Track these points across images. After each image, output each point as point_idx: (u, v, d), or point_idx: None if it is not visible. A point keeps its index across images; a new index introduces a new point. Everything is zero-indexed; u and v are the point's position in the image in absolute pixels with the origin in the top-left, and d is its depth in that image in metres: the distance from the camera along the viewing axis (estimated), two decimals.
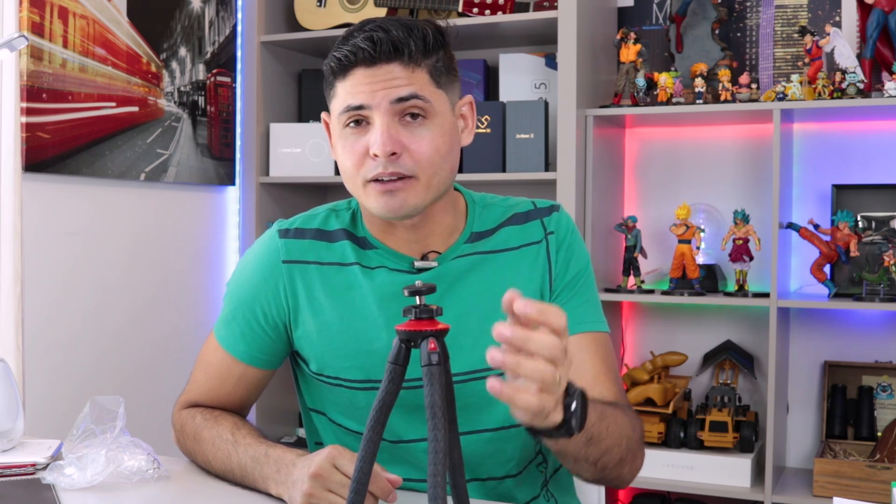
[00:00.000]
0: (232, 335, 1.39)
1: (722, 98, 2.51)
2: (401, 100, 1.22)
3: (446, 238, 1.34)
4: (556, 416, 1.06)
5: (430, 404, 0.97)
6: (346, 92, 1.24)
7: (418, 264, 1.33)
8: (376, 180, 1.24)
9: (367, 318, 1.32)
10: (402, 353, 1.02)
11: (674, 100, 2.55)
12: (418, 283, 1.01)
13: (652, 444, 2.55)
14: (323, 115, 1.35)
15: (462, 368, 1.27)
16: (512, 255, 1.35)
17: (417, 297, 1.01)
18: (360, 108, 1.23)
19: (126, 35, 2.64)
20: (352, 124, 1.25)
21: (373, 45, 1.22)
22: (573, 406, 1.06)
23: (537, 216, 1.38)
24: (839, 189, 2.58)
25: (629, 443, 1.25)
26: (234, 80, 3.07)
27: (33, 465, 1.36)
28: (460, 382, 1.25)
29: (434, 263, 1.32)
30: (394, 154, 1.22)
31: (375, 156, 1.22)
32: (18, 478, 1.34)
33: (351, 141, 1.25)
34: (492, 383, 0.93)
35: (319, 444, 1.44)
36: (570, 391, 1.07)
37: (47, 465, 1.37)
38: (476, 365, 1.29)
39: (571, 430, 1.07)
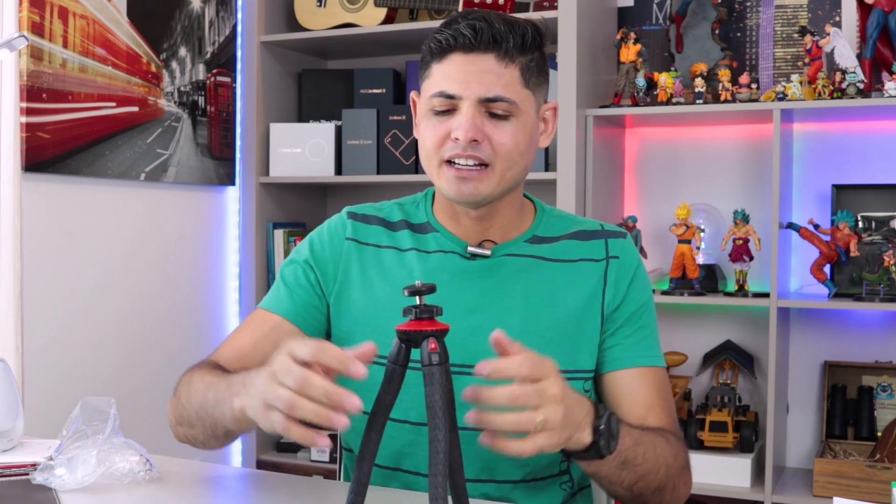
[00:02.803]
0: (277, 297, 1.40)
1: (722, 98, 2.50)
2: (488, 100, 1.27)
3: (506, 234, 1.38)
4: (586, 438, 1.13)
5: (431, 404, 0.97)
6: (440, 76, 1.30)
7: (471, 249, 1.36)
8: (451, 163, 1.29)
9: (411, 299, 1.33)
10: (402, 353, 1.02)
11: (674, 100, 2.55)
12: (418, 283, 1.02)
13: None
14: (412, 93, 1.41)
15: None
16: (568, 267, 1.37)
17: (417, 298, 1.01)
18: (451, 96, 1.28)
19: (126, 35, 2.64)
20: (439, 108, 1.30)
21: (473, 33, 1.28)
22: (601, 427, 1.12)
23: (603, 237, 1.41)
24: (839, 189, 2.58)
25: (668, 471, 1.27)
26: (234, 80, 3.07)
27: (33, 465, 1.36)
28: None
29: (487, 252, 1.36)
30: (475, 141, 1.27)
31: (457, 139, 1.27)
32: (18, 478, 1.34)
33: (435, 122, 1.31)
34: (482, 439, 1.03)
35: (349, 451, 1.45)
36: (599, 414, 1.13)
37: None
38: None
39: (601, 452, 1.14)
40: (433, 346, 0.99)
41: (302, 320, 1.38)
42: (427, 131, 1.31)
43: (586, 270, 1.37)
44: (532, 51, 1.31)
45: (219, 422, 1.21)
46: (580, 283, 1.36)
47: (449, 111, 1.29)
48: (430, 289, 1.02)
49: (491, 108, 1.28)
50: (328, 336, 1.42)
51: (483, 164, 1.29)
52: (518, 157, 1.31)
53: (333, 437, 2.84)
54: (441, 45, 1.29)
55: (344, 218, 1.44)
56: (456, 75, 1.28)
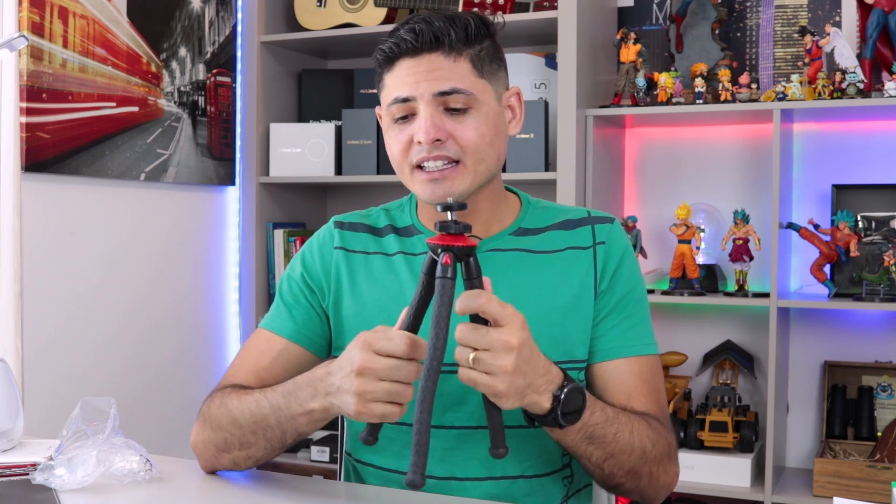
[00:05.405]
0: (279, 317, 1.42)
1: (722, 98, 2.51)
2: (442, 94, 1.28)
3: (489, 229, 1.38)
4: (544, 403, 1.15)
5: (437, 314, 1.06)
6: (392, 84, 1.31)
7: None
8: (420, 167, 1.30)
9: (402, 301, 1.34)
10: (429, 265, 1.12)
11: (674, 100, 2.55)
12: (449, 199, 1.10)
13: None
14: (377, 108, 1.42)
15: None
16: (554, 257, 1.36)
17: (449, 213, 1.10)
18: (406, 100, 1.29)
19: (126, 35, 2.64)
20: (398, 114, 1.31)
21: (415, 36, 1.28)
22: (561, 396, 1.15)
23: (589, 223, 1.40)
24: (839, 189, 2.58)
25: (644, 455, 1.25)
26: (234, 80, 3.07)
27: (33, 465, 1.36)
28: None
29: None
30: (438, 140, 1.27)
31: (420, 142, 1.28)
32: (18, 478, 1.34)
33: (397, 130, 1.32)
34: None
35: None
36: (564, 384, 1.15)
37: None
38: None
39: (559, 420, 1.15)
40: (446, 260, 1.08)
41: (306, 339, 1.40)
42: (391, 141, 1.33)
43: (574, 259, 1.36)
44: (479, 41, 1.31)
45: (289, 430, 1.26)
46: (569, 273, 1.35)
47: (408, 117, 1.30)
48: (461, 206, 1.10)
49: (448, 103, 1.28)
50: (330, 347, 1.42)
51: (453, 162, 1.28)
52: (486, 148, 1.30)
53: (335, 440, 2.84)
54: (387, 55, 1.31)
55: (331, 228, 1.45)
56: (406, 79, 1.29)
